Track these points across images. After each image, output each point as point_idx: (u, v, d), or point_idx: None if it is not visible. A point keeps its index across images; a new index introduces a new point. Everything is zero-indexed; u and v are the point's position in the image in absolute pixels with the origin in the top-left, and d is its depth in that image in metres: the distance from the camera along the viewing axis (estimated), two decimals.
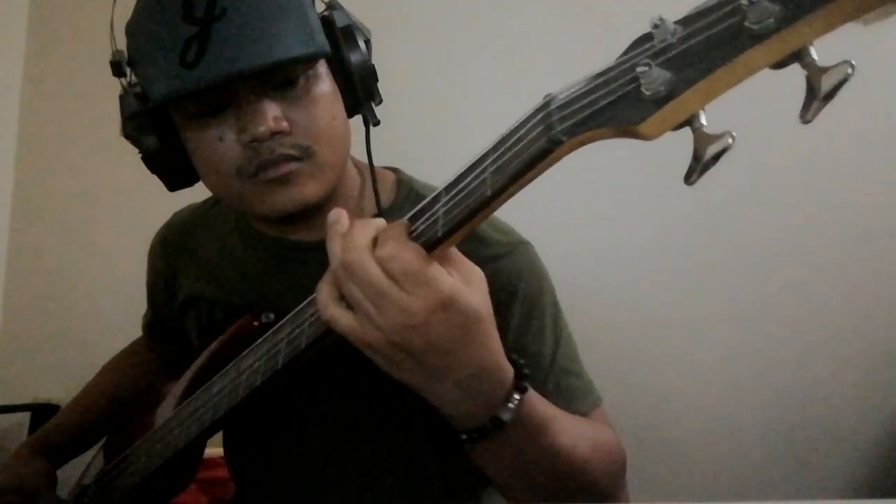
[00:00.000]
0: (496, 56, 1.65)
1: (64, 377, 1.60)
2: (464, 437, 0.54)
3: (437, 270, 0.46)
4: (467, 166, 0.45)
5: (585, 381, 0.71)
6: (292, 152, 0.62)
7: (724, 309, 1.55)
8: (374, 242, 0.47)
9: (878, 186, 1.49)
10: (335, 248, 0.49)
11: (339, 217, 0.51)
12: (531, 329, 0.69)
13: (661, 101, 0.33)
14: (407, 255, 0.45)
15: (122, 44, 0.67)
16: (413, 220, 0.48)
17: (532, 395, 0.55)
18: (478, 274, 0.50)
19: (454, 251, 0.49)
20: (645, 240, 1.57)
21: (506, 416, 0.52)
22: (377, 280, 0.45)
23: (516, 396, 0.52)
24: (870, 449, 1.50)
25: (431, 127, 1.64)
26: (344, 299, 0.49)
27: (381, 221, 0.50)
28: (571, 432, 0.59)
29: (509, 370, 0.52)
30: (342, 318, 0.48)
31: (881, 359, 1.50)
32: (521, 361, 0.54)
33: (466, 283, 0.48)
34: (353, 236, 0.48)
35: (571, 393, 0.68)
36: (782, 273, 1.53)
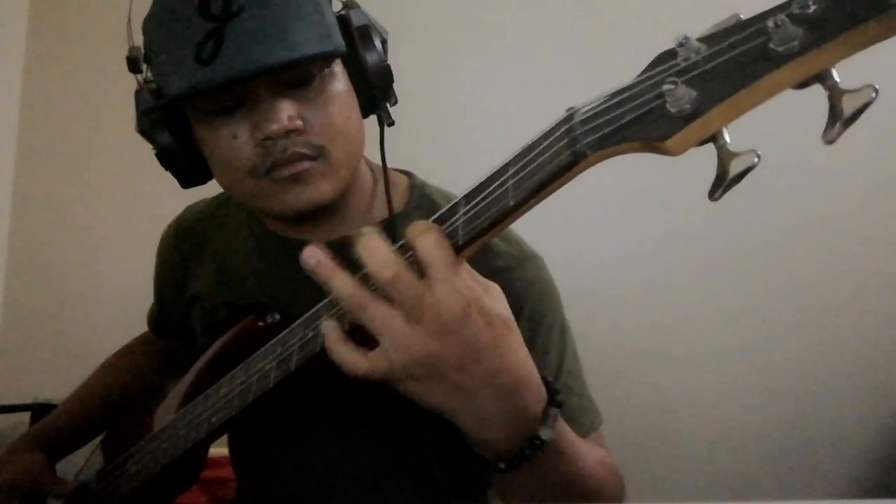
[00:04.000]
0: (503, 59, 1.66)
1: (64, 377, 1.59)
2: (502, 465, 0.49)
3: (461, 262, 0.45)
4: (487, 177, 0.45)
5: (587, 402, 0.70)
6: (306, 151, 0.62)
7: (725, 310, 1.56)
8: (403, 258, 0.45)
9: (878, 188, 1.50)
10: (340, 283, 0.45)
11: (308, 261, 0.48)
12: (536, 345, 0.68)
13: (687, 118, 0.34)
14: (448, 247, 0.43)
15: (137, 40, 0.67)
16: None
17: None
18: (495, 286, 0.49)
19: (467, 267, 0.48)
20: (646, 243, 1.58)
21: (546, 435, 0.48)
22: (416, 287, 0.43)
23: (553, 412, 0.49)
24: (870, 449, 1.51)
25: (437, 128, 1.64)
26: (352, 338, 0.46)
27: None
28: (589, 454, 0.57)
29: (540, 382, 0.50)
30: (360, 362, 0.45)
31: (881, 359, 1.50)
32: (550, 378, 0.51)
33: (486, 292, 0.47)
34: (378, 251, 0.44)
35: (572, 413, 0.67)
36: (783, 274, 1.53)
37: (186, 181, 0.71)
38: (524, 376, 0.48)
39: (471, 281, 0.45)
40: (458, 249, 0.46)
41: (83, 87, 1.85)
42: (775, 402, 1.54)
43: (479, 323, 0.44)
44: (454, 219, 0.46)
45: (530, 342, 0.66)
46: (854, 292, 1.50)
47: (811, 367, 1.52)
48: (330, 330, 0.48)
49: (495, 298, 0.47)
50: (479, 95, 1.65)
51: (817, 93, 0.33)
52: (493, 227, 0.44)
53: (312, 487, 0.77)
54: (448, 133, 1.64)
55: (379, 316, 0.44)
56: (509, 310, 0.48)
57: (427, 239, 0.43)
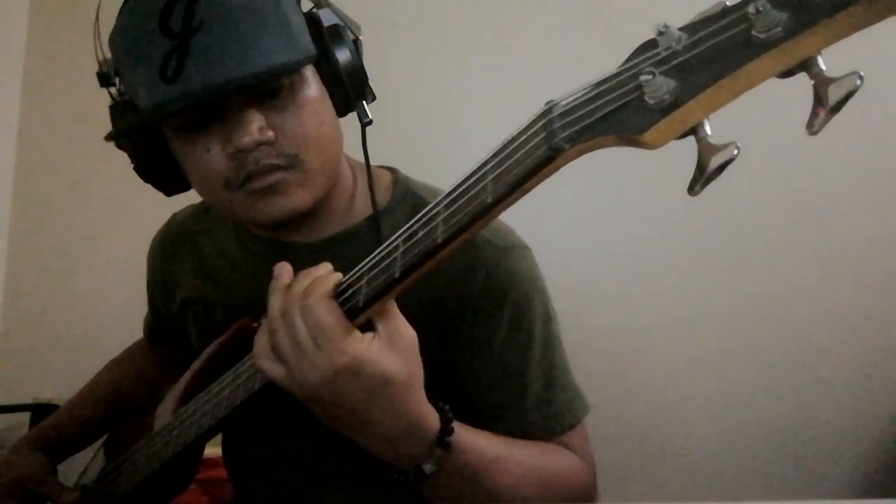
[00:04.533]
0: (495, 55, 1.65)
1: (64, 377, 1.60)
2: (395, 476, 0.56)
3: (350, 334, 0.49)
4: (468, 174, 0.45)
5: (568, 396, 0.70)
6: (279, 162, 0.61)
7: (724, 310, 1.55)
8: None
9: (876, 187, 1.48)
10: (275, 301, 0.52)
11: (281, 272, 0.54)
12: (518, 338, 0.68)
13: (665, 109, 0.32)
14: (321, 310, 0.48)
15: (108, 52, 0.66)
16: (412, 226, 0.48)
17: (463, 442, 0.56)
18: (404, 335, 0.51)
19: (392, 306, 0.51)
20: (644, 241, 1.57)
21: (428, 468, 0.54)
22: (301, 331, 0.49)
23: (438, 451, 0.54)
24: (870, 449, 1.50)
25: (429, 126, 1.64)
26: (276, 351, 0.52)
27: (322, 271, 0.53)
28: (514, 472, 0.60)
29: (431, 426, 0.54)
30: (273, 369, 0.52)
31: (881, 359, 1.49)
32: (450, 414, 0.55)
33: (387, 344, 0.50)
34: (294, 287, 0.51)
35: (549, 409, 0.68)
36: (782, 274, 1.52)
37: (168, 191, 0.71)
38: (403, 427, 0.53)
39: (353, 341, 0.49)
40: (439, 248, 0.46)
41: (83, 87, 1.84)
42: (775, 403, 1.53)
43: (348, 385, 0.49)
44: (434, 216, 0.46)
45: (512, 335, 0.68)
46: (854, 292, 1.49)
47: (811, 368, 1.51)
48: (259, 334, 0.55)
49: (393, 352, 0.50)
50: (478, 95, 1.64)
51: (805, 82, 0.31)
52: (473, 224, 0.44)
53: (305, 487, 0.77)
54: (447, 133, 1.63)
55: (285, 344, 0.51)
56: (405, 362, 0.51)
57: (313, 312, 0.49)
